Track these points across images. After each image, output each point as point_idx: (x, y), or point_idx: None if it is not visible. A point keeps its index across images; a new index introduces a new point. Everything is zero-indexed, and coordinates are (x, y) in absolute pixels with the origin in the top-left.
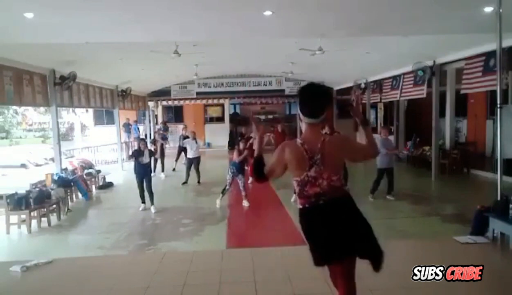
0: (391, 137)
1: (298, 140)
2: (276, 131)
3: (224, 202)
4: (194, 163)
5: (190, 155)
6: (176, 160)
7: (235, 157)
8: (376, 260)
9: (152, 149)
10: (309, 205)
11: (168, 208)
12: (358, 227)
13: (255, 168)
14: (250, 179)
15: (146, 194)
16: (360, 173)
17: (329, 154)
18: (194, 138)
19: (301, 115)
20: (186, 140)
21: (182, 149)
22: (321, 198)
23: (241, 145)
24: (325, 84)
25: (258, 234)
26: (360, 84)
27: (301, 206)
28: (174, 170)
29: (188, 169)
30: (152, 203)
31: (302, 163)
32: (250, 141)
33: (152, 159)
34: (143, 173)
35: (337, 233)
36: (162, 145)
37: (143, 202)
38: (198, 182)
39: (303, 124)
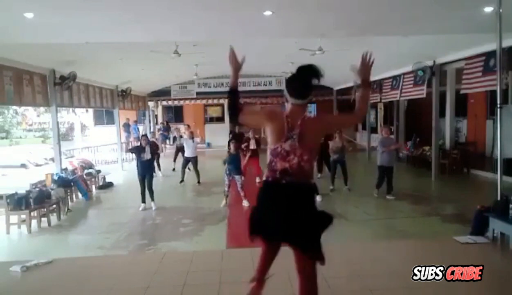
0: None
1: (285, 112)
2: None
3: (222, 202)
4: (191, 162)
5: (187, 154)
6: (174, 160)
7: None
8: (307, 250)
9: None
10: (272, 179)
11: (168, 207)
12: (303, 220)
13: (229, 101)
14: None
15: (147, 193)
16: (361, 171)
17: (307, 131)
18: (192, 138)
19: (287, 95)
20: (183, 139)
21: (180, 149)
22: (285, 177)
23: (232, 147)
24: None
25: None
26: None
27: (265, 178)
28: (173, 170)
29: (183, 167)
30: (152, 200)
31: (281, 133)
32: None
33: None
34: (145, 170)
35: (280, 216)
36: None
37: (143, 201)
38: (198, 182)
39: (288, 104)
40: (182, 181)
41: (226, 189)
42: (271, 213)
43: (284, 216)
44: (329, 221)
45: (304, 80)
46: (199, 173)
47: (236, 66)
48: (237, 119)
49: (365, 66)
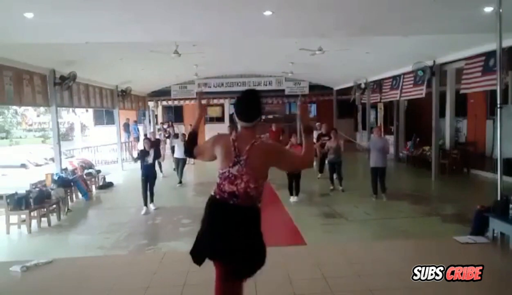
0: (390, 137)
1: (232, 136)
2: (271, 131)
3: None
4: (180, 162)
5: (177, 154)
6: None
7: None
8: (239, 271)
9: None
10: (220, 197)
11: (168, 208)
12: (245, 243)
13: (187, 142)
14: None
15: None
16: (361, 171)
17: (254, 158)
18: (183, 140)
19: (236, 118)
20: (175, 140)
21: (173, 147)
22: (233, 198)
23: None
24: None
25: None
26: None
27: (213, 194)
28: (174, 169)
29: (177, 168)
30: (152, 201)
31: (228, 157)
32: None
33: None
34: (148, 173)
35: (222, 236)
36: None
37: (146, 204)
38: (180, 182)
39: (239, 126)
40: (180, 182)
41: None
42: (213, 230)
43: (225, 234)
44: (262, 257)
45: (249, 103)
46: (182, 174)
47: (201, 113)
48: (193, 157)
49: (303, 113)
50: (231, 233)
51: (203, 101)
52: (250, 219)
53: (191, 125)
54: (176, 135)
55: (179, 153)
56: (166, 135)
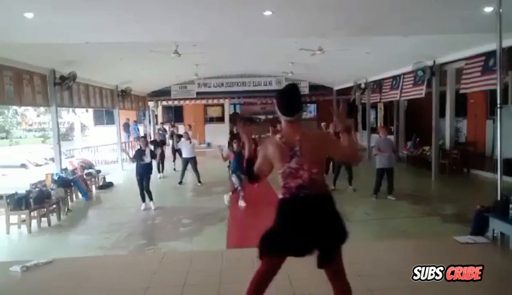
0: (390, 137)
1: (277, 136)
2: (276, 131)
3: (223, 202)
4: (190, 162)
5: (185, 154)
6: (174, 160)
7: (232, 157)
8: (327, 260)
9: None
10: (290, 195)
11: (168, 208)
12: (328, 231)
13: (247, 170)
14: None
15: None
16: (361, 171)
17: (307, 145)
18: (188, 138)
19: (279, 113)
20: (180, 142)
21: (176, 150)
22: (302, 191)
23: (235, 146)
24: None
25: (258, 234)
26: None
27: (281, 196)
28: (174, 169)
29: (184, 168)
30: (151, 200)
31: (283, 155)
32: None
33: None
34: (143, 172)
35: (305, 231)
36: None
37: (144, 200)
38: (199, 181)
39: (282, 121)
40: (180, 182)
41: (238, 186)
42: (297, 227)
43: (311, 227)
44: (344, 235)
45: (293, 97)
46: (198, 173)
47: (249, 138)
48: (259, 181)
49: (339, 116)
50: (314, 225)
51: (203, 101)
52: (325, 204)
53: (189, 125)
54: (179, 136)
55: (186, 152)
56: (170, 134)
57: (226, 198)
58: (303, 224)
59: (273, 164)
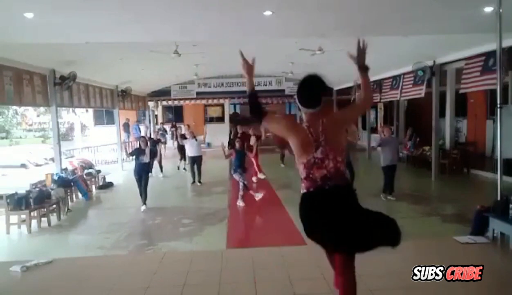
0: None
1: (305, 123)
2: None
3: (223, 202)
4: (196, 161)
5: (191, 153)
6: (181, 159)
7: (233, 156)
8: (389, 243)
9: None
10: (314, 188)
11: (168, 208)
12: (360, 221)
13: (251, 103)
14: (254, 178)
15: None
16: (361, 171)
17: (330, 133)
18: (194, 137)
19: (300, 106)
20: (185, 140)
21: (182, 147)
22: (327, 183)
23: (237, 145)
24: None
25: (258, 234)
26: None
27: (305, 190)
28: (185, 169)
29: (192, 168)
30: (144, 202)
31: (308, 145)
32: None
33: (155, 156)
34: (141, 172)
35: (341, 223)
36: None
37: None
38: (199, 181)
39: (303, 113)
40: (194, 182)
41: (244, 183)
42: (324, 223)
43: (344, 221)
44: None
45: (312, 89)
46: (200, 172)
47: (248, 69)
48: (260, 122)
49: (360, 52)
50: (342, 217)
51: (203, 101)
52: (350, 196)
53: (188, 125)
54: (183, 136)
55: (192, 151)
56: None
57: (258, 196)
58: (335, 216)
59: (284, 136)
